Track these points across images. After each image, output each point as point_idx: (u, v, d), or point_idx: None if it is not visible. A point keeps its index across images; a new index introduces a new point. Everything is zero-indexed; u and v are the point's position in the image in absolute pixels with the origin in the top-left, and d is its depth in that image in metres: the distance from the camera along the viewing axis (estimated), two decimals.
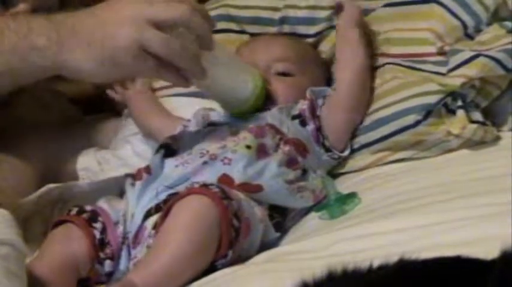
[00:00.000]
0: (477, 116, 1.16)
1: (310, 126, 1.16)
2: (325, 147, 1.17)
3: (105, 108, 1.42)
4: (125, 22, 0.98)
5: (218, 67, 1.09)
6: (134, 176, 1.10)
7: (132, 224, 1.04)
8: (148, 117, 1.27)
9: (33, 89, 1.24)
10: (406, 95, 1.18)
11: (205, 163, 1.06)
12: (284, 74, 1.22)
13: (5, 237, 0.83)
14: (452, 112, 1.16)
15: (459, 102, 1.16)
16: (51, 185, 1.17)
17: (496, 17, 1.22)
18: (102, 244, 1.02)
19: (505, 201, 0.86)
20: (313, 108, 1.18)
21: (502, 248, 0.63)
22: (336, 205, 1.06)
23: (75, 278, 0.99)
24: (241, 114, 1.16)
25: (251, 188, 1.05)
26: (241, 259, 0.99)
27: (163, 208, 1.00)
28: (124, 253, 1.03)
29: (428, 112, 1.15)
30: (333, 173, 1.21)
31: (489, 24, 1.21)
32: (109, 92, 1.34)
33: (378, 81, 1.23)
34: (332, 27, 1.31)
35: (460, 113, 1.15)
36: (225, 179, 1.04)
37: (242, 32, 1.36)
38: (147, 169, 1.08)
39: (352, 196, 1.07)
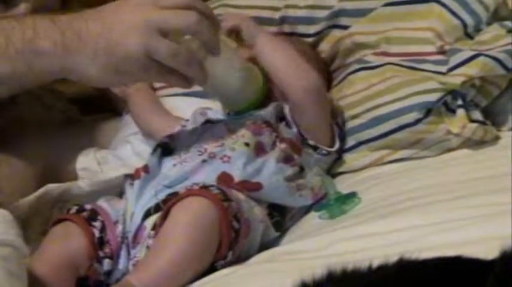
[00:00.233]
0: (477, 115, 1.16)
1: (294, 129, 1.16)
2: (311, 146, 1.16)
3: (105, 109, 1.42)
4: (132, 30, 0.96)
5: (219, 66, 1.09)
6: (133, 176, 1.10)
7: (132, 223, 1.04)
8: (147, 116, 1.27)
9: (33, 89, 1.24)
10: (406, 93, 1.18)
11: (204, 161, 1.07)
12: None
13: (5, 238, 0.83)
14: (452, 111, 1.16)
15: (459, 102, 1.16)
16: (51, 185, 1.17)
17: (496, 16, 1.22)
18: (101, 242, 1.02)
19: (505, 201, 0.86)
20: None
21: (502, 248, 0.63)
22: (335, 204, 1.06)
23: (74, 277, 0.99)
24: (240, 112, 1.16)
25: (251, 186, 1.05)
26: (241, 259, 0.99)
27: (162, 208, 1.00)
28: (123, 253, 1.03)
29: (428, 110, 1.15)
30: (333, 173, 1.21)
31: (489, 23, 1.22)
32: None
33: (377, 78, 1.23)
34: (332, 26, 1.32)
35: (460, 112, 1.15)
36: (225, 177, 1.04)
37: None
38: (145, 168, 1.08)
39: (351, 195, 1.08)
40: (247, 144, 1.08)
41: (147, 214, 1.03)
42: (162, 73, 1.00)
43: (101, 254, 1.01)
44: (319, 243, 0.93)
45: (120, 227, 1.04)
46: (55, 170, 1.27)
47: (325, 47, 1.33)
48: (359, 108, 1.22)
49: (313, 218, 1.08)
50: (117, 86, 1.29)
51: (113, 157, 1.30)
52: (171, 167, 1.07)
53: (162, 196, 1.03)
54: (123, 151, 1.30)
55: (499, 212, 0.84)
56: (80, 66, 0.98)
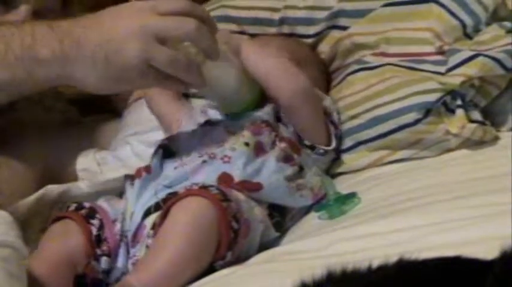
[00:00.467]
0: (476, 115, 1.16)
1: (291, 128, 1.16)
2: (308, 146, 1.16)
3: (104, 110, 1.42)
4: (130, 37, 0.96)
5: (216, 68, 1.09)
6: (133, 176, 1.10)
7: (132, 222, 1.04)
8: (157, 102, 1.25)
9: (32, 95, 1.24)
10: (406, 93, 1.18)
11: (204, 161, 1.07)
12: None
13: (5, 239, 0.83)
14: (451, 111, 1.16)
15: (458, 102, 1.16)
16: (51, 186, 1.17)
17: (495, 17, 1.22)
18: (98, 240, 1.02)
19: (505, 201, 0.86)
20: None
21: (502, 248, 0.63)
22: (335, 205, 1.06)
23: (72, 274, 0.99)
24: (237, 113, 1.16)
25: (251, 186, 1.05)
26: (240, 259, 0.98)
27: (162, 207, 1.00)
28: (122, 251, 1.03)
29: (427, 111, 1.16)
30: (332, 174, 1.21)
31: (488, 24, 1.22)
32: None
33: (376, 79, 1.23)
34: (331, 27, 1.32)
35: (459, 112, 1.15)
36: (225, 177, 1.04)
37: (242, 32, 1.36)
38: (147, 168, 1.08)
39: (351, 196, 1.08)
40: (247, 144, 1.08)
41: (147, 213, 1.03)
42: (159, 79, 0.99)
43: (99, 251, 1.01)
44: (319, 243, 0.93)
45: (118, 226, 1.04)
46: (55, 171, 1.27)
47: (324, 47, 1.33)
48: (358, 108, 1.22)
49: (313, 219, 1.08)
50: (115, 93, 1.29)
51: (113, 158, 1.30)
52: (172, 169, 1.08)
53: (162, 195, 1.03)
54: (122, 151, 1.30)
55: (499, 212, 0.84)
56: (78, 74, 0.98)
